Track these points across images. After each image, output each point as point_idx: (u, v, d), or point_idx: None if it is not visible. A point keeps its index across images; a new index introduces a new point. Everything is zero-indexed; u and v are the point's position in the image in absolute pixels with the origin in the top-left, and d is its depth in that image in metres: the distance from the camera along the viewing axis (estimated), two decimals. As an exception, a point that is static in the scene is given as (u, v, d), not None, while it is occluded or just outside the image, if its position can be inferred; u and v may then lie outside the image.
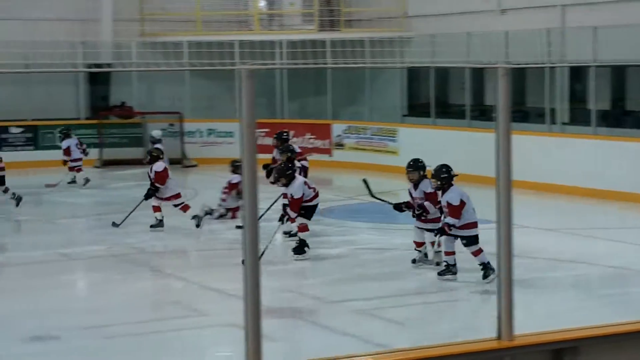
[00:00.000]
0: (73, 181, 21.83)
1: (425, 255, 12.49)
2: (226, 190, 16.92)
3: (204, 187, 21.31)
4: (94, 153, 25.85)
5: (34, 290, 11.81)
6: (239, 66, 5.27)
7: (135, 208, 15.96)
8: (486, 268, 11.49)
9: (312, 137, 25.76)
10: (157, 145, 19.51)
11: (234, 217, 16.60)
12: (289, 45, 26.47)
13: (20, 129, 26.02)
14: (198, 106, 27.34)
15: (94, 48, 27.04)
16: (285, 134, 16.87)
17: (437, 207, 12.10)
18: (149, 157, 16.53)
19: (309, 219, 13.58)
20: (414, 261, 12.46)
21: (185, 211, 16.02)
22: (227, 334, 9.60)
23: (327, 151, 25.39)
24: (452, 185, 11.72)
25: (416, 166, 12.45)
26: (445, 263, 11.81)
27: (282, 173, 13.62)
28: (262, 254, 12.22)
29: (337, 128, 25.56)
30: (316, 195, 13.65)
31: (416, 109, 25.64)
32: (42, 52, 24.87)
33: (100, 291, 11.84)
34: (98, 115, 26.98)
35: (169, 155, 26.20)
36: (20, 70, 27.42)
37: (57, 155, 22.37)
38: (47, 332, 9.77)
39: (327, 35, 26.75)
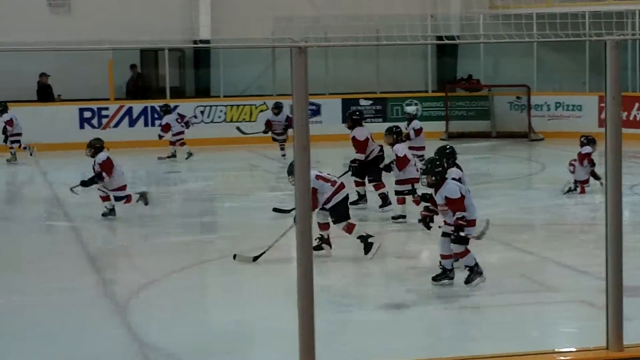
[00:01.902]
0: (173, 155, 22.25)
1: None
2: (573, 162, 16.51)
3: (550, 162, 21.10)
4: (439, 126, 26.08)
5: (369, 260, 11.85)
6: (605, 37, 5.18)
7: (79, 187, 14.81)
8: (472, 272, 10.18)
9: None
10: (414, 122, 18.37)
11: (582, 191, 16.24)
12: (642, 15, 25.53)
13: (370, 102, 26.74)
14: (546, 79, 26.96)
15: (443, 21, 27.33)
16: (395, 127, 15.27)
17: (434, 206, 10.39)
18: (92, 149, 14.60)
19: (346, 219, 11.59)
20: None
21: (129, 202, 14.67)
22: (575, 310, 9.46)
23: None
24: (445, 179, 10.24)
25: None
26: (441, 267, 10.35)
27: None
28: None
29: (691, 102, 24.41)
30: (337, 190, 11.48)
31: None
32: (393, 25, 25.43)
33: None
34: (445, 88, 27.29)
35: (514, 128, 26.15)
36: (371, 43, 28.15)
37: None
38: (392, 301, 9.97)
39: (684, 4, 25.58)
